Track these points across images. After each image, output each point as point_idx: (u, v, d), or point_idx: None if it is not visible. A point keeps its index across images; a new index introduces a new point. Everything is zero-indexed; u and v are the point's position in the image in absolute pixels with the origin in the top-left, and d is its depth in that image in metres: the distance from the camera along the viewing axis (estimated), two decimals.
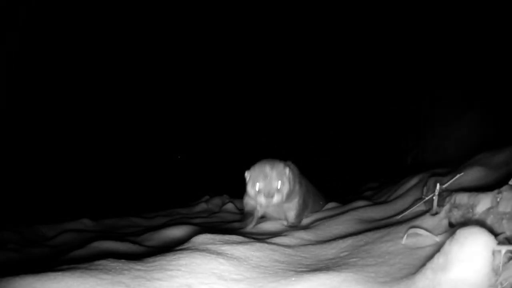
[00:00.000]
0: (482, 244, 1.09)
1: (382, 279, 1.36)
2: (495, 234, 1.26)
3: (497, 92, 4.07)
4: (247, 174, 2.42)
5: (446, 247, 1.15)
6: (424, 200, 2.17)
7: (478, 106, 4.38)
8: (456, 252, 1.10)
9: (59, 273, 1.34)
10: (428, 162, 4.99)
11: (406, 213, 2.20)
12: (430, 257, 1.24)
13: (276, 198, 2.26)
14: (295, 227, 2.58)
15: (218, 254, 1.66)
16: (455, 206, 1.71)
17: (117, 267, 1.47)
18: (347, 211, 2.62)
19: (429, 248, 1.54)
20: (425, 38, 5.54)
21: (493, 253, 1.09)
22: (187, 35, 9.06)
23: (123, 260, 1.56)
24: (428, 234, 1.61)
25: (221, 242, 1.85)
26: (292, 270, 1.57)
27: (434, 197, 1.93)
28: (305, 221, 2.75)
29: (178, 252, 1.65)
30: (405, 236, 1.67)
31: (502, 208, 1.43)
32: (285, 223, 2.63)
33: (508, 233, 1.35)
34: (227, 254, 1.69)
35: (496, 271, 1.09)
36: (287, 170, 2.39)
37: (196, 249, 1.70)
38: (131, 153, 9.08)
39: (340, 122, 8.86)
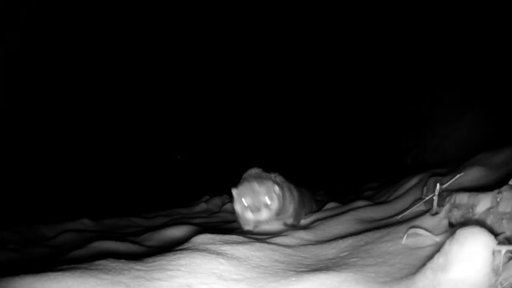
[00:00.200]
0: (482, 244, 1.09)
1: (382, 279, 1.36)
2: (495, 234, 1.26)
3: (497, 92, 4.07)
4: (234, 191, 2.30)
5: (446, 247, 1.15)
6: (424, 200, 2.17)
7: (478, 106, 4.38)
8: (456, 252, 1.10)
9: (59, 273, 1.34)
10: (428, 162, 4.99)
11: (406, 213, 2.20)
12: (430, 257, 1.23)
13: (264, 214, 2.17)
14: (295, 227, 2.58)
15: (218, 254, 1.66)
16: (455, 206, 1.71)
17: (117, 267, 1.47)
18: (347, 211, 2.62)
19: (429, 248, 1.54)
20: (425, 38, 5.54)
21: (493, 253, 1.09)
22: (187, 36, 9.06)
23: (123, 260, 1.56)
24: (428, 234, 1.61)
25: (221, 242, 1.85)
26: (292, 270, 1.57)
27: (434, 197, 1.93)
28: (305, 221, 2.75)
29: (178, 252, 1.65)
30: (405, 236, 1.67)
31: (502, 208, 1.43)
32: (288, 221, 2.62)
33: (508, 233, 1.35)
34: (227, 254, 1.69)
35: (496, 271, 1.09)
36: (276, 187, 2.28)
37: (196, 249, 1.70)
38: (131, 153, 9.08)
39: (340, 122, 8.85)
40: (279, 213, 2.33)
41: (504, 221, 1.39)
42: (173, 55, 9.40)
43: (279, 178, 2.53)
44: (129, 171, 8.68)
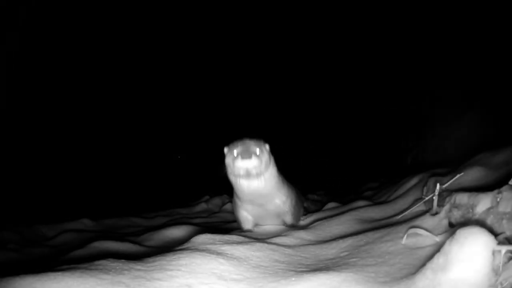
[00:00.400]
0: (482, 244, 1.09)
1: (382, 279, 1.36)
2: (495, 234, 1.26)
3: (497, 92, 4.07)
4: (226, 148, 2.35)
5: (446, 247, 1.15)
6: (424, 200, 2.17)
7: (478, 106, 4.38)
8: (456, 252, 1.10)
9: (59, 273, 1.34)
10: (428, 162, 4.99)
11: (406, 213, 2.21)
12: (430, 257, 1.24)
13: (254, 161, 2.17)
14: (295, 227, 2.58)
15: (218, 254, 1.66)
16: (455, 206, 1.71)
17: (117, 267, 1.47)
18: (347, 211, 2.62)
19: (429, 248, 1.54)
20: (425, 38, 5.54)
21: (493, 253, 1.09)
22: (187, 36, 9.06)
23: (123, 260, 1.56)
24: (428, 234, 1.61)
25: (221, 242, 1.85)
26: (292, 270, 1.57)
27: (434, 197, 1.93)
28: (305, 221, 2.74)
29: (178, 252, 1.65)
30: (405, 236, 1.67)
31: (502, 208, 1.43)
32: (289, 223, 2.61)
33: (508, 233, 1.35)
34: (227, 254, 1.69)
35: (496, 271, 1.09)
36: (266, 145, 2.37)
37: (196, 249, 1.70)
38: (131, 153, 9.08)
39: (340, 122, 8.86)
40: (267, 169, 2.30)
41: (504, 221, 1.39)
42: (173, 55, 9.40)
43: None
44: (129, 171, 8.68)
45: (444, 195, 1.89)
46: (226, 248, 1.75)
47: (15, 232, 3.38)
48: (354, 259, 1.63)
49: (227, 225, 3.32)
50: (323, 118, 9.18)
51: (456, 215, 1.67)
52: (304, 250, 1.92)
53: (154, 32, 8.73)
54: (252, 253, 1.75)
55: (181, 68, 9.44)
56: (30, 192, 6.71)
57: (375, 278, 1.38)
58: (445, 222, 1.73)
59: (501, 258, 1.09)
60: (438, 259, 1.16)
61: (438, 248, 1.23)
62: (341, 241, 1.96)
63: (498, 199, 1.46)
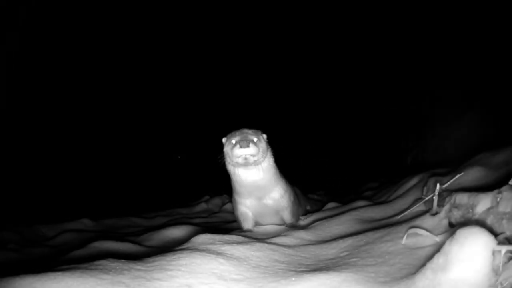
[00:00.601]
0: (482, 244, 1.09)
1: (382, 279, 1.36)
2: (495, 234, 1.26)
3: (497, 92, 4.07)
4: (224, 139, 2.38)
5: (446, 247, 1.15)
6: (424, 200, 2.17)
7: (478, 106, 4.38)
8: (456, 252, 1.10)
9: (59, 273, 1.34)
10: (428, 162, 4.99)
11: (406, 213, 2.20)
12: (430, 257, 1.24)
13: (252, 149, 2.17)
14: (295, 227, 2.58)
15: (218, 254, 1.66)
16: (455, 206, 1.71)
17: (117, 267, 1.47)
18: (347, 211, 2.62)
19: (429, 248, 1.54)
20: (426, 38, 5.54)
21: (493, 253, 1.09)
22: (187, 36, 9.06)
23: (123, 260, 1.56)
24: (428, 234, 1.61)
25: (221, 242, 1.85)
26: (292, 270, 1.57)
27: (434, 197, 1.93)
28: (305, 221, 2.74)
29: (178, 252, 1.65)
30: (405, 236, 1.67)
31: (502, 208, 1.43)
32: (288, 220, 2.60)
33: (508, 233, 1.35)
34: (227, 254, 1.69)
35: (496, 271, 1.09)
36: (264, 135, 2.40)
37: (196, 249, 1.70)
38: (131, 153, 9.08)
39: (340, 122, 8.86)
40: (264, 156, 2.31)
41: (504, 221, 1.39)
42: (173, 55, 9.40)
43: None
44: (129, 171, 8.68)
45: (444, 195, 1.89)
46: (226, 248, 1.75)
47: (15, 232, 3.38)
48: (354, 259, 1.63)
49: (227, 225, 3.33)
50: (323, 118, 9.18)
51: (456, 215, 1.67)
52: (304, 250, 1.92)
53: (154, 32, 8.73)
54: (252, 253, 1.75)
55: (181, 68, 9.44)
56: (30, 192, 6.71)
57: (375, 278, 1.38)
58: (445, 222, 1.73)
59: (501, 258, 1.09)
60: (438, 259, 1.16)
61: (438, 248, 1.23)
62: (341, 241, 1.96)
63: (498, 199, 1.46)
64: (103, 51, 8.38)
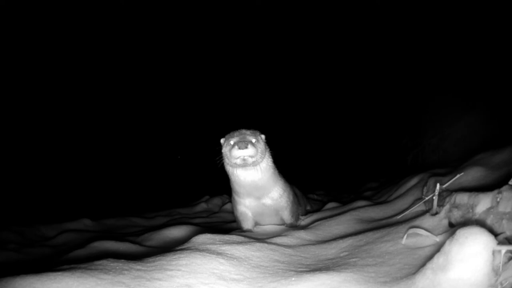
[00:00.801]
0: (482, 244, 1.08)
1: (382, 279, 1.36)
2: (495, 234, 1.26)
3: (497, 93, 4.07)
4: (222, 140, 2.38)
5: (446, 247, 1.15)
6: (424, 200, 2.17)
7: (478, 107, 4.38)
8: (456, 252, 1.10)
9: (59, 273, 1.34)
10: (428, 162, 4.99)
11: (406, 213, 2.20)
12: (430, 257, 1.23)
13: (250, 150, 2.18)
14: (295, 227, 2.58)
15: (218, 254, 1.66)
16: (455, 206, 1.71)
17: (117, 267, 1.47)
18: (347, 211, 2.62)
19: (429, 248, 1.54)
20: (426, 39, 5.54)
21: (493, 253, 1.09)
22: (187, 36, 9.06)
23: (123, 260, 1.56)
24: (428, 234, 1.61)
25: (221, 242, 1.85)
26: (292, 270, 1.57)
27: (434, 197, 1.93)
28: (305, 221, 2.74)
29: (178, 252, 1.65)
30: (405, 236, 1.67)
31: (502, 208, 1.43)
32: (287, 220, 2.60)
33: (508, 233, 1.35)
34: (227, 254, 1.69)
35: (496, 271, 1.09)
36: (262, 135, 2.40)
37: (196, 249, 1.70)
38: (131, 153, 9.08)
39: (340, 123, 8.85)
40: (262, 158, 2.31)
41: (504, 221, 1.39)
42: (174, 56, 9.40)
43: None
44: (129, 171, 8.68)
45: (444, 195, 1.89)
46: (226, 248, 1.75)
47: (15, 232, 3.38)
48: (354, 259, 1.63)
49: (227, 225, 3.32)
50: (324, 118, 9.18)
51: (456, 215, 1.67)
52: (304, 250, 1.92)
53: (154, 33, 8.73)
54: (252, 253, 1.75)
55: (181, 69, 9.44)
56: (30, 192, 6.71)
57: (375, 278, 1.38)
58: (445, 222, 1.73)
59: (501, 258, 1.09)
60: (438, 259, 1.16)
61: (438, 248, 1.22)
62: (341, 241, 1.96)
63: (498, 199, 1.46)
64: (104, 52, 8.38)
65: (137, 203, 6.24)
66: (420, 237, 1.63)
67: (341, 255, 1.76)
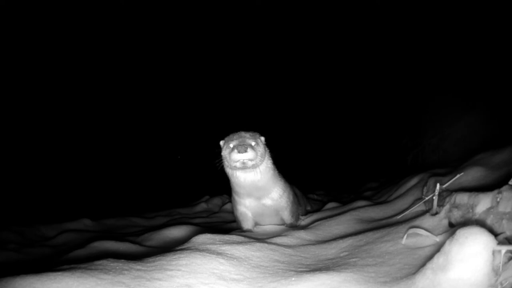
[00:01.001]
0: (482, 244, 1.08)
1: (382, 279, 1.36)
2: (495, 234, 1.26)
3: (497, 93, 4.07)
4: (222, 142, 2.38)
5: (446, 247, 1.15)
6: (424, 200, 2.17)
7: (478, 107, 4.38)
8: (456, 252, 1.10)
9: (59, 273, 1.34)
10: (428, 162, 4.99)
11: (406, 213, 2.20)
12: (430, 257, 1.23)
13: (249, 154, 2.18)
14: (295, 227, 2.58)
15: (218, 254, 1.65)
16: (455, 206, 1.71)
17: (117, 267, 1.47)
18: (347, 211, 2.62)
19: (429, 248, 1.54)
20: (426, 39, 5.54)
21: (493, 253, 1.09)
22: (187, 37, 9.06)
23: (123, 260, 1.56)
24: (428, 234, 1.61)
25: (221, 242, 1.85)
26: (292, 270, 1.57)
27: (434, 197, 1.93)
28: (305, 221, 2.74)
29: (178, 252, 1.65)
30: (405, 236, 1.67)
31: (502, 208, 1.43)
32: (287, 220, 2.60)
33: (508, 233, 1.35)
34: (227, 254, 1.69)
35: (496, 271, 1.09)
36: (262, 137, 2.39)
37: (196, 249, 1.70)
38: (131, 153, 9.08)
39: (340, 123, 8.85)
40: (262, 160, 2.32)
41: (504, 221, 1.39)
42: (174, 56, 9.40)
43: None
44: (129, 171, 8.68)
45: (444, 195, 1.89)
46: (226, 248, 1.75)
47: (15, 232, 3.38)
48: (354, 259, 1.63)
49: (227, 225, 3.32)
50: (324, 118, 9.18)
51: (456, 215, 1.67)
52: (304, 250, 1.92)
53: (154, 33, 8.73)
54: (252, 253, 1.75)
55: (180, 69, 9.44)
56: (30, 192, 6.71)
57: (375, 278, 1.38)
58: (445, 222, 1.73)
59: (501, 258, 1.09)
60: (438, 259, 1.16)
61: (438, 248, 1.22)
62: (341, 241, 1.96)
63: (498, 199, 1.46)
64: (104, 52, 8.38)
65: (137, 203, 6.24)
66: (420, 237, 1.63)
67: (341, 255, 1.76)
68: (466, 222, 1.58)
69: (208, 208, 4.72)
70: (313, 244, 2.02)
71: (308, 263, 1.71)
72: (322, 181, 7.55)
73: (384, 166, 7.03)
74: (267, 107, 9.39)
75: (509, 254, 1.11)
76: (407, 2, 5.88)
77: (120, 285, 1.33)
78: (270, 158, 2.45)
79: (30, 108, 7.49)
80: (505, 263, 1.09)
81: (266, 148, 2.41)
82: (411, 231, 1.66)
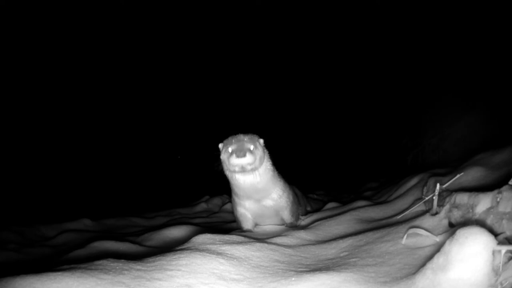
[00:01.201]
0: (482, 244, 1.08)
1: (382, 279, 1.36)
2: (495, 234, 1.26)
3: (497, 93, 4.07)
4: (221, 145, 2.38)
5: (446, 247, 1.15)
6: (424, 200, 2.17)
7: (478, 107, 4.38)
8: (456, 252, 1.10)
9: (59, 273, 1.34)
10: (428, 162, 4.99)
11: (406, 213, 2.20)
12: (430, 257, 1.23)
13: (248, 158, 2.19)
14: (295, 227, 2.58)
15: (218, 254, 1.65)
16: (455, 206, 1.71)
17: (117, 267, 1.47)
18: (347, 211, 2.62)
19: (429, 248, 1.54)
20: (426, 39, 5.54)
21: (493, 253, 1.09)
22: (187, 36, 9.06)
23: (123, 260, 1.56)
24: (428, 234, 1.61)
25: (221, 242, 1.85)
26: (292, 270, 1.57)
27: (434, 197, 1.93)
28: (305, 221, 2.74)
29: (178, 252, 1.65)
30: (405, 236, 1.67)
31: (502, 208, 1.43)
32: (287, 219, 2.60)
33: (508, 233, 1.35)
34: (227, 254, 1.68)
35: (496, 271, 1.09)
36: (261, 140, 2.39)
37: (196, 249, 1.70)
38: (131, 153, 9.08)
39: (340, 123, 8.85)
40: (261, 163, 2.32)
41: (504, 221, 1.39)
42: (174, 56, 9.40)
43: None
44: (129, 171, 8.68)
45: (444, 195, 1.89)
46: (226, 248, 1.74)
47: (15, 232, 3.38)
48: (354, 259, 1.63)
49: (227, 225, 3.32)
50: (324, 118, 9.17)
51: (456, 215, 1.67)
52: (304, 250, 1.92)
53: (154, 33, 8.73)
54: (252, 253, 1.75)
55: (180, 69, 9.44)
56: (30, 192, 6.71)
57: (375, 278, 1.38)
58: (445, 222, 1.73)
59: (501, 258, 1.09)
60: (438, 259, 1.16)
61: (438, 248, 1.22)
62: (341, 241, 1.96)
63: (498, 199, 1.46)
64: (104, 52, 8.38)
65: (137, 203, 6.24)
66: (420, 237, 1.63)
67: (341, 255, 1.76)
68: (466, 222, 1.58)
69: (208, 208, 4.72)
70: (313, 244, 2.02)
71: (308, 263, 1.71)
72: (322, 181, 7.55)
73: (384, 166, 7.03)
74: (267, 107, 9.39)
75: (509, 254, 1.11)
76: (407, 2, 5.88)
77: (120, 285, 1.33)
78: (269, 160, 2.45)
79: (30, 108, 7.49)
80: (505, 263, 1.09)
81: (265, 150, 2.41)
82: (411, 231, 1.66)
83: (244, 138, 2.29)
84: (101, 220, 4.03)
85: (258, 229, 2.57)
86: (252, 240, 2.00)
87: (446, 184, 2.06)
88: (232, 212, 2.77)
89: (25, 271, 1.35)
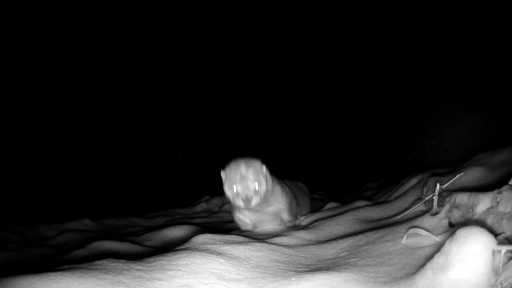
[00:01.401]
0: (482, 244, 1.08)
1: (382, 279, 1.36)
2: (495, 234, 1.26)
3: (497, 93, 4.07)
4: (223, 174, 2.34)
5: (446, 247, 1.15)
6: (424, 200, 2.17)
7: (478, 107, 4.39)
8: (456, 252, 1.10)
9: (59, 273, 1.34)
10: (428, 162, 4.99)
11: (406, 213, 2.20)
12: (430, 257, 1.23)
13: (254, 201, 2.21)
14: (295, 226, 2.58)
15: (218, 254, 1.65)
16: (455, 206, 1.71)
17: (117, 267, 1.47)
18: (347, 211, 2.62)
19: (429, 248, 1.54)
20: (426, 39, 5.54)
21: (493, 253, 1.09)
22: (187, 36, 9.06)
23: (123, 260, 1.56)
24: (428, 234, 1.61)
25: (221, 242, 1.85)
26: (292, 270, 1.57)
27: (434, 197, 1.93)
28: (305, 221, 2.74)
29: (178, 252, 1.65)
30: (405, 236, 1.67)
31: (502, 208, 1.43)
32: (286, 219, 2.60)
33: (508, 233, 1.35)
34: (227, 254, 1.69)
35: (496, 271, 1.09)
36: (264, 168, 2.33)
37: (196, 249, 1.70)
38: (131, 153, 9.08)
39: (340, 122, 8.85)
40: (267, 196, 2.33)
41: (504, 221, 1.39)
42: (173, 55, 9.40)
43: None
44: (129, 171, 8.68)
45: (444, 195, 1.89)
46: (226, 248, 1.75)
47: (15, 232, 3.38)
48: (354, 259, 1.63)
49: (227, 225, 3.32)
50: (324, 118, 9.18)
51: (456, 215, 1.67)
52: (304, 250, 1.92)
53: (154, 32, 8.73)
54: (252, 253, 1.75)
55: (180, 68, 9.44)
56: (30, 192, 6.71)
57: (375, 278, 1.38)
58: (445, 222, 1.73)
59: (501, 258, 1.09)
60: (438, 259, 1.16)
61: (438, 248, 1.22)
62: (341, 241, 1.96)
63: (498, 199, 1.46)
64: (103, 51, 8.38)
65: (137, 203, 6.24)
66: (420, 237, 1.63)
67: (341, 255, 1.76)
68: (466, 222, 1.58)
69: (208, 208, 4.72)
70: (313, 244, 2.02)
71: (308, 263, 1.71)
72: (322, 181, 7.55)
73: (384, 166, 7.04)
74: (267, 107, 9.39)
75: (509, 254, 1.11)
76: (407, 2, 5.88)
77: (120, 285, 1.33)
78: (272, 181, 2.42)
79: (30, 107, 7.50)
80: (505, 263, 1.09)
81: (268, 176, 2.38)
82: (411, 231, 1.66)
83: (249, 175, 2.23)
84: (101, 220, 4.04)
85: (258, 229, 2.58)
86: (252, 240, 2.00)
87: (446, 184, 2.06)
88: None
89: (25, 271, 1.35)
